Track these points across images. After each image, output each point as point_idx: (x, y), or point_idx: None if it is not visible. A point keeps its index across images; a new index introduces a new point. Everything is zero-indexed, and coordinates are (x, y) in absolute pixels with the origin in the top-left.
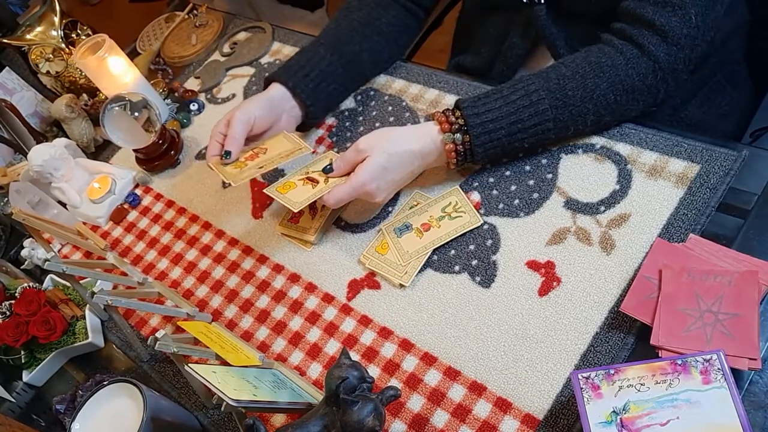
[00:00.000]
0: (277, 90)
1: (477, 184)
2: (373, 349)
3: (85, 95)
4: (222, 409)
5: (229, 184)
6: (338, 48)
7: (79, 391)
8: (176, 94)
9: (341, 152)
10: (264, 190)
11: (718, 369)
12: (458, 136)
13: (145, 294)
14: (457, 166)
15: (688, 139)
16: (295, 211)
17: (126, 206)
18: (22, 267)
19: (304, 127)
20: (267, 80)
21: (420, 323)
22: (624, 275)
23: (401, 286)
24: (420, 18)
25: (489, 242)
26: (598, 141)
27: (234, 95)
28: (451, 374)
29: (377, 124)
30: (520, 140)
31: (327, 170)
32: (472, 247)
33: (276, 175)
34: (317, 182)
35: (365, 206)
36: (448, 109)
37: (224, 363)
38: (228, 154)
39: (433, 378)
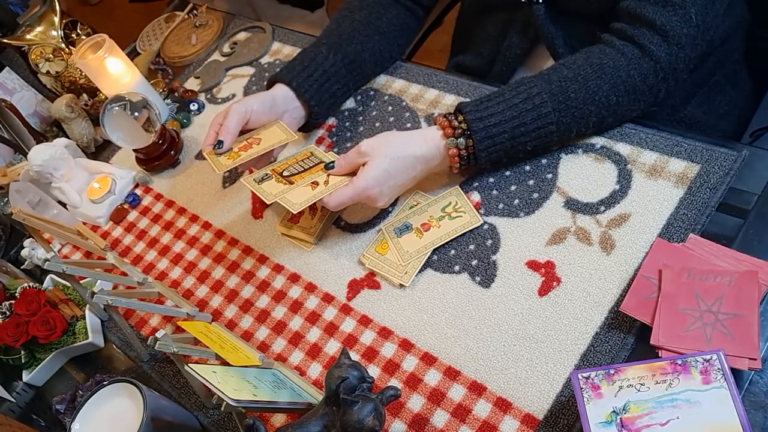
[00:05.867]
0: (280, 90)
1: (477, 184)
2: (373, 349)
3: (85, 95)
4: (222, 409)
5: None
6: (340, 48)
7: (79, 391)
8: (176, 94)
9: (341, 152)
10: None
11: (718, 369)
12: (461, 140)
13: (145, 294)
14: (460, 170)
15: (688, 139)
16: (295, 212)
17: (126, 206)
18: (22, 267)
19: (306, 128)
20: (270, 81)
21: (420, 323)
22: (624, 275)
23: (401, 286)
24: (420, 17)
25: (489, 242)
26: (598, 141)
27: (234, 95)
28: (451, 374)
29: (377, 124)
30: (523, 143)
31: (329, 167)
32: (472, 247)
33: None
34: (317, 184)
35: (365, 206)
36: (450, 114)
37: (224, 363)
38: (220, 144)
39: (433, 378)
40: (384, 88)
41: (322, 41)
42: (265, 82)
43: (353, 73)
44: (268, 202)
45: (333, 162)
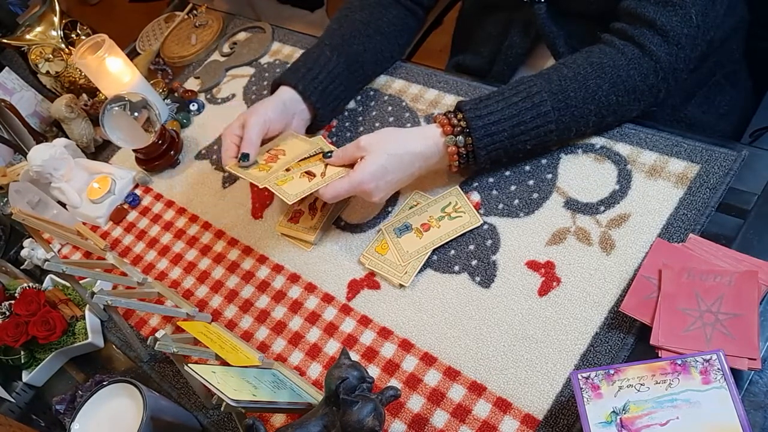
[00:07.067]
0: (286, 93)
1: (477, 184)
2: (373, 349)
3: (85, 95)
4: (222, 409)
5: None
6: (343, 49)
7: (79, 391)
8: (176, 94)
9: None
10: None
11: (718, 369)
12: (460, 138)
13: (144, 294)
14: (459, 169)
15: (687, 139)
16: (290, 203)
17: (126, 206)
18: (22, 267)
19: (311, 129)
20: (274, 83)
21: (420, 323)
22: (624, 275)
23: (401, 286)
24: (420, 17)
25: (489, 242)
26: (597, 141)
27: (234, 95)
28: (451, 374)
29: (377, 124)
30: (522, 142)
31: (327, 156)
32: (471, 247)
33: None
34: (314, 175)
35: (365, 206)
36: (449, 112)
37: (224, 363)
38: (246, 157)
39: (433, 378)
40: (384, 88)
41: (325, 42)
42: (269, 84)
43: (355, 74)
44: (260, 186)
45: (331, 152)
